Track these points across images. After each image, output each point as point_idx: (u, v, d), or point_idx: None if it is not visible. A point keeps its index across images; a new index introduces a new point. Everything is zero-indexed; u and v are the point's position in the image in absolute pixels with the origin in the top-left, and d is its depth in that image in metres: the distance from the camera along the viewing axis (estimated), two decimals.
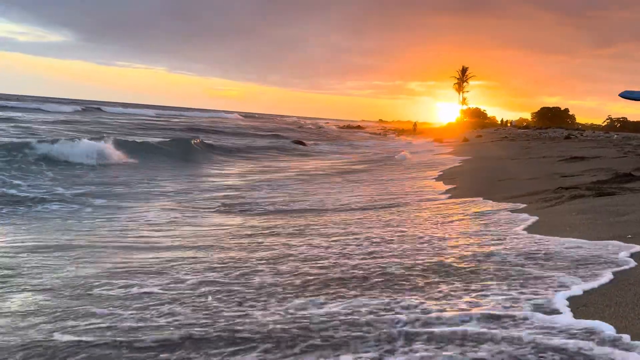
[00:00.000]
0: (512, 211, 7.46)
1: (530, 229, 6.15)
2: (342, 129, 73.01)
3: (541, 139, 31.52)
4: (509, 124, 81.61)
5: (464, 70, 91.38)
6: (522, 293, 3.81)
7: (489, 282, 4.11)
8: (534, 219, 6.72)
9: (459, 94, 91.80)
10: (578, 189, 8.70)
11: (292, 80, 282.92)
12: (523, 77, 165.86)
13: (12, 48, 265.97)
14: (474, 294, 3.84)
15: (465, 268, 4.57)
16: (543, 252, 4.97)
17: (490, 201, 8.65)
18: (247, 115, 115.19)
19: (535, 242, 5.41)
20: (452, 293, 3.90)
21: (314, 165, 18.96)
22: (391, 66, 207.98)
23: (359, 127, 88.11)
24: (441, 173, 14.70)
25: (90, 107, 70.79)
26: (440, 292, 3.94)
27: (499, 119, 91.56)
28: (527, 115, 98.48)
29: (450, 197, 9.78)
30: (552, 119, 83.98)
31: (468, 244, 5.57)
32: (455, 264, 4.70)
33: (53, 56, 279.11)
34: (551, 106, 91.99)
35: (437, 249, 5.40)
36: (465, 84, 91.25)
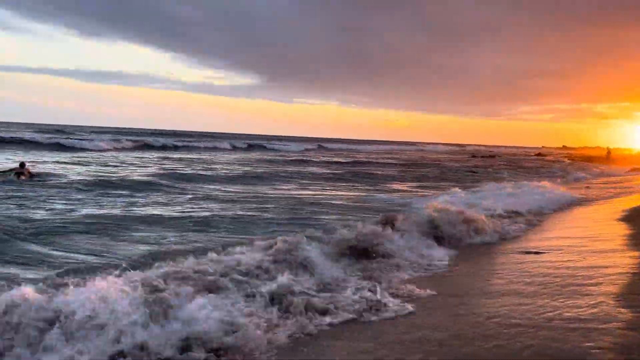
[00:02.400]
0: None
1: None
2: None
3: None
4: None
5: None
6: None
7: None
8: None
9: None
10: None
11: (462, 107, 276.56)
12: None
13: (209, 91, 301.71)
14: None
15: None
16: None
17: None
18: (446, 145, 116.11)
19: None
20: None
21: None
22: (575, 88, 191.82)
23: (539, 154, 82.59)
24: (627, 213, 12.34)
25: (321, 145, 75.56)
26: None
27: None
28: None
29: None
30: None
31: None
32: None
33: (242, 97, 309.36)
34: None
35: None
36: None
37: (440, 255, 8.04)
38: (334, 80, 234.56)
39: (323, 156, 44.70)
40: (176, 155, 35.04)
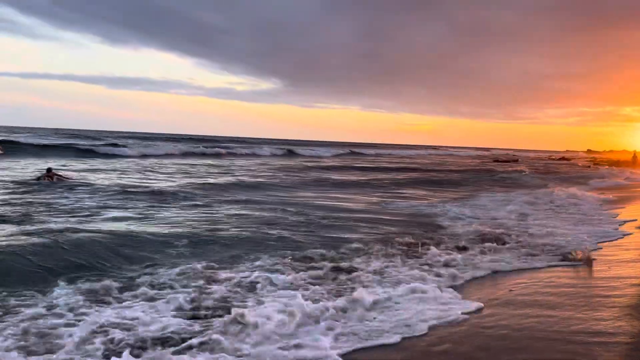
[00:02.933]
0: None
1: None
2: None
3: None
4: None
5: None
6: None
7: None
8: None
9: None
10: None
11: (484, 110, 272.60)
12: None
13: (232, 97, 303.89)
14: None
15: None
16: None
17: None
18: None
19: None
20: None
21: None
22: (600, 90, 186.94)
23: (563, 158, 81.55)
24: None
25: (354, 151, 74.45)
26: None
27: None
28: None
29: None
30: None
31: None
32: None
33: (263, 102, 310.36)
34: None
35: None
36: None
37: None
38: (356, 85, 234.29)
39: (358, 162, 44.44)
40: (208, 162, 34.99)
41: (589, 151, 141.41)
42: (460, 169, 39.86)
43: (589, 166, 54.37)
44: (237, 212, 12.44)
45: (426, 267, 7.69)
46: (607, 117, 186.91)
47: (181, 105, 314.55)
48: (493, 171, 36.28)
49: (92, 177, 19.50)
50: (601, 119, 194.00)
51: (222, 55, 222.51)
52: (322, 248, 8.63)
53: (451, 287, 6.73)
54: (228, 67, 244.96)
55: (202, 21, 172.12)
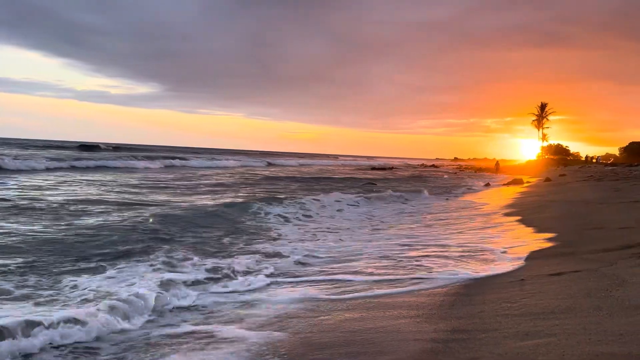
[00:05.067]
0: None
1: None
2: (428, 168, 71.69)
3: (632, 178, 28.77)
4: (594, 160, 77.08)
5: (542, 107, 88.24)
6: None
7: None
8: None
9: (538, 130, 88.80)
10: None
11: (364, 120, 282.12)
12: (608, 110, 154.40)
13: (105, 100, 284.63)
14: None
15: None
16: None
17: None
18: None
19: None
20: None
21: None
22: (465, 104, 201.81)
23: (434, 165, 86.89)
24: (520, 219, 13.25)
25: (271, 161, 69.65)
26: None
27: (583, 155, 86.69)
28: (614, 151, 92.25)
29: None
30: None
31: None
32: None
33: (140, 106, 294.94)
34: None
35: None
36: (544, 120, 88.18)
37: None
38: (240, 92, 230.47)
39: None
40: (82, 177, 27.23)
41: (455, 159, 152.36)
42: (341, 176, 40.70)
43: (455, 172, 58.27)
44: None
45: None
46: (471, 127, 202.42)
47: (49, 108, 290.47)
48: (370, 178, 37.46)
49: None
50: (466, 129, 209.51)
51: (96, 57, 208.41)
52: None
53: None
54: (102, 69, 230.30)
55: (72, 20, 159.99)
